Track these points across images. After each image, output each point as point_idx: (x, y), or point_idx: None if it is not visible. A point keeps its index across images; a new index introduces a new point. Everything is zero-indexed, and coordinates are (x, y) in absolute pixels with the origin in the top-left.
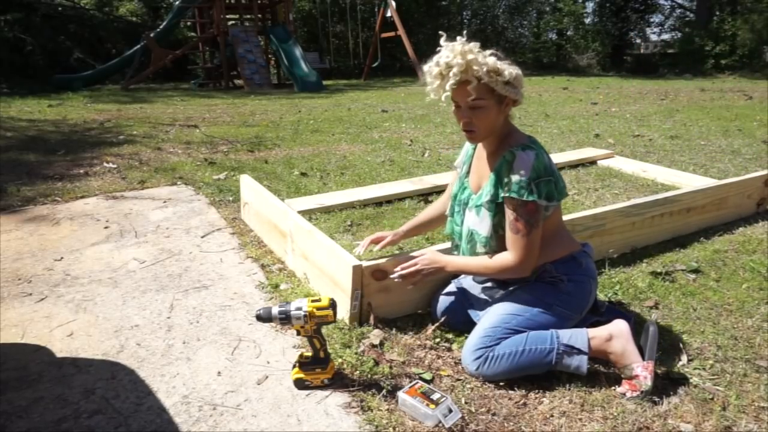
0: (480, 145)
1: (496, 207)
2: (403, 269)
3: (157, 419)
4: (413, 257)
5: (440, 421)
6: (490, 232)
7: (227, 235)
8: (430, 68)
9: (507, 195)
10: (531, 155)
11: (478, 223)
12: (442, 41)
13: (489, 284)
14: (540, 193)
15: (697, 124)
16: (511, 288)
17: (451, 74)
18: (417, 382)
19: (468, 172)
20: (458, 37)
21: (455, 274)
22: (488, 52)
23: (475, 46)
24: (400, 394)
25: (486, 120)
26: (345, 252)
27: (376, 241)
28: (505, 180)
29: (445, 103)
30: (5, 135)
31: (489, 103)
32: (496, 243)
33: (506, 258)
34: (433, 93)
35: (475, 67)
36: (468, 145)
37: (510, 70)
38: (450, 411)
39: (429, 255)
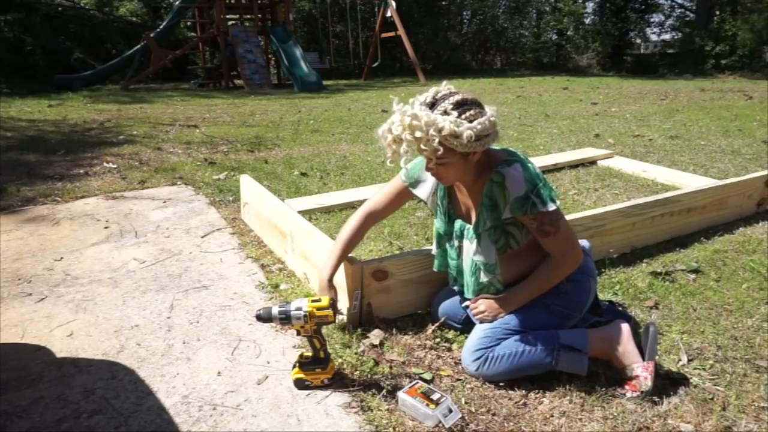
0: None
1: (496, 231)
2: (482, 319)
3: (157, 419)
4: (469, 306)
5: (440, 421)
6: (495, 258)
7: (227, 235)
8: (384, 134)
9: (516, 215)
10: (518, 168)
11: (481, 252)
12: (394, 104)
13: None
14: (544, 201)
15: (697, 124)
16: (509, 289)
17: (401, 150)
18: (417, 382)
19: (449, 204)
20: (411, 99)
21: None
22: (450, 102)
23: (426, 114)
24: (400, 394)
25: (453, 171)
26: None
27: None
28: (503, 201)
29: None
30: (5, 135)
31: (452, 160)
32: (500, 267)
33: (555, 261)
34: (390, 161)
35: (425, 143)
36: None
37: (470, 131)
38: (450, 411)
39: (483, 303)
